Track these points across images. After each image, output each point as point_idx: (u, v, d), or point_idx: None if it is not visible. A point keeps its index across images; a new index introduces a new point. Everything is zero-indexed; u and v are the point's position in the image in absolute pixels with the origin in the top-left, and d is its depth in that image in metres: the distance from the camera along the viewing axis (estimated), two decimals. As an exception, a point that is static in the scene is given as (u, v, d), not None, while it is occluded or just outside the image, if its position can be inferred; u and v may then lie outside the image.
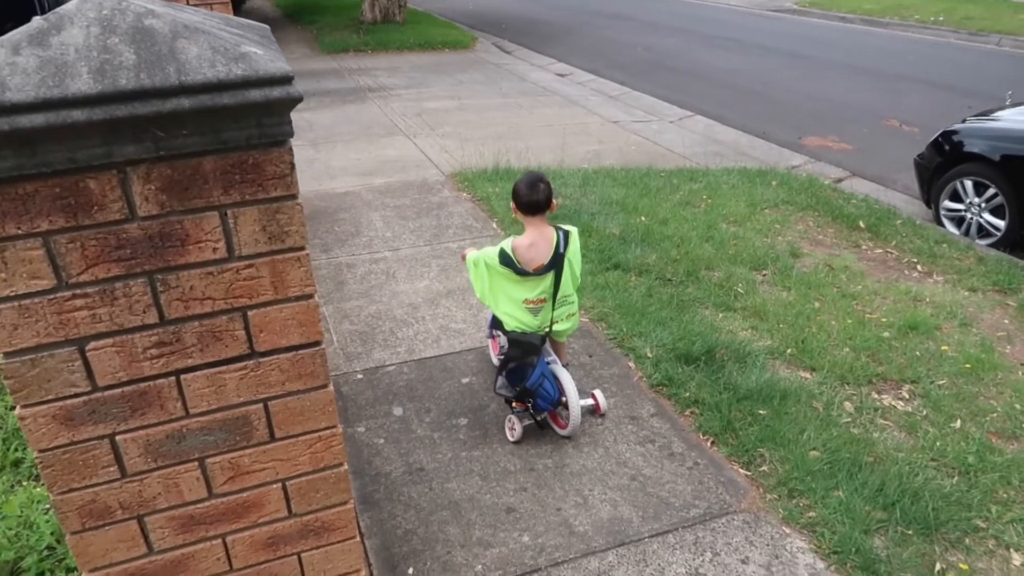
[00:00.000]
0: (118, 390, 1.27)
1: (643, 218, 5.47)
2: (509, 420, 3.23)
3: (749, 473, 3.02)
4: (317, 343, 1.35)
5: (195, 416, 1.33)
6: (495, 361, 3.72)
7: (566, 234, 3.08)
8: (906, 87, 10.34)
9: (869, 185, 6.72)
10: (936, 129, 6.00)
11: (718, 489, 2.93)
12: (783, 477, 2.95)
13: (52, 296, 1.18)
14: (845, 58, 12.36)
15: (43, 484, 2.19)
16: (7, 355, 1.19)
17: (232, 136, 1.17)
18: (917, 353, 3.83)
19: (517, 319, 3.09)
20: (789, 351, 3.84)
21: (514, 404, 3.20)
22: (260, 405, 1.36)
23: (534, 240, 3.02)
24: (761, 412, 3.32)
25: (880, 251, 5.18)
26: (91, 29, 1.15)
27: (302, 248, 1.28)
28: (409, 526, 2.75)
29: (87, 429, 1.27)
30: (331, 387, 1.39)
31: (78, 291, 1.19)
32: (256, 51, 1.19)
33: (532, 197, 2.96)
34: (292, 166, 1.23)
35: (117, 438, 1.30)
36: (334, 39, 13.12)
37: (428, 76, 10.97)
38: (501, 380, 3.22)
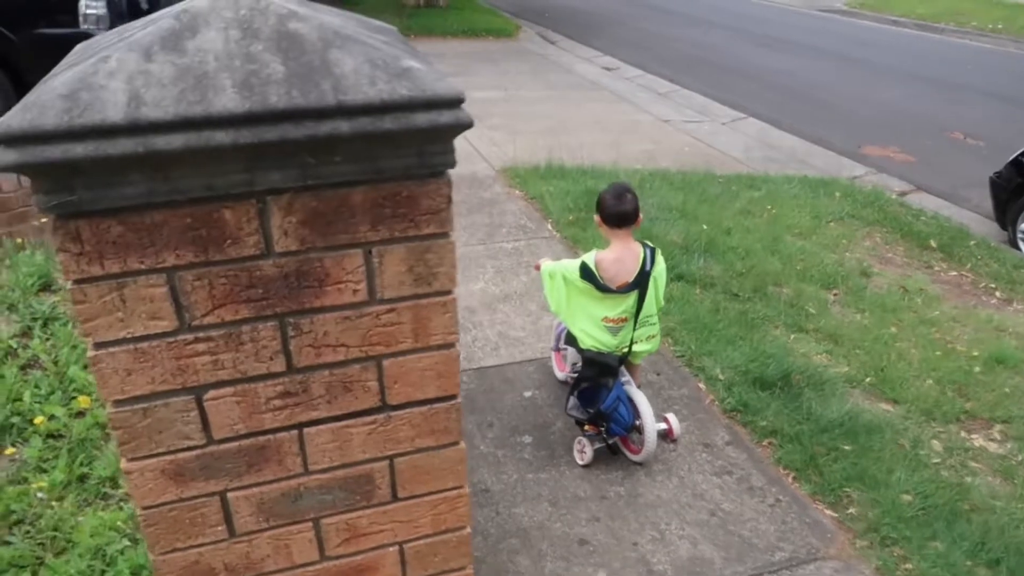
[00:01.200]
0: (235, 444, 1.11)
1: (704, 226, 5.26)
2: (579, 442, 3.06)
3: (836, 515, 2.83)
4: (454, 396, 1.19)
5: (315, 473, 1.17)
6: (559, 375, 3.55)
7: (653, 251, 2.90)
8: (967, 97, 9.99)
9: (936, 201, 6.45)
10: (1002, 144, 5.73)
11: (803, 531, 2.75)
12: (874, 522, 2.76)
13: (172, 339, 1.03)
14: (900, 63, 11.99)
15: (112, 506, 2.06)
16: (117, 403, 1.03)
17: (388, 165, 1.01)
18: (1006, 389, 3.61)
19: (594, 338, 2.92)
20: (868, 380, 3.64)
21: (586, 427, 3.03)
22: (385, 463, 1.20)
23: (620, 255, 2.84)
24: (845, 447, 3.13)
25: (955, 273, 4.94)
26: (230, 32, 0.98)
27: (449, 292, 1.12)
28: (477, 553, 2.59)
29: (197, 485, 1.12)
30: (463, 444, 1.23)
31: (201, 334, 1.03)
32: (418, 66, 1.01)
33: (619, 208, 2.78)
34: (449, 200, 1.07)
35: (228, 495, 1.15)
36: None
37: (473, 64, 10.77)
38: (573, 400, 3.05)
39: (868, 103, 9.56)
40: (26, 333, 2.57)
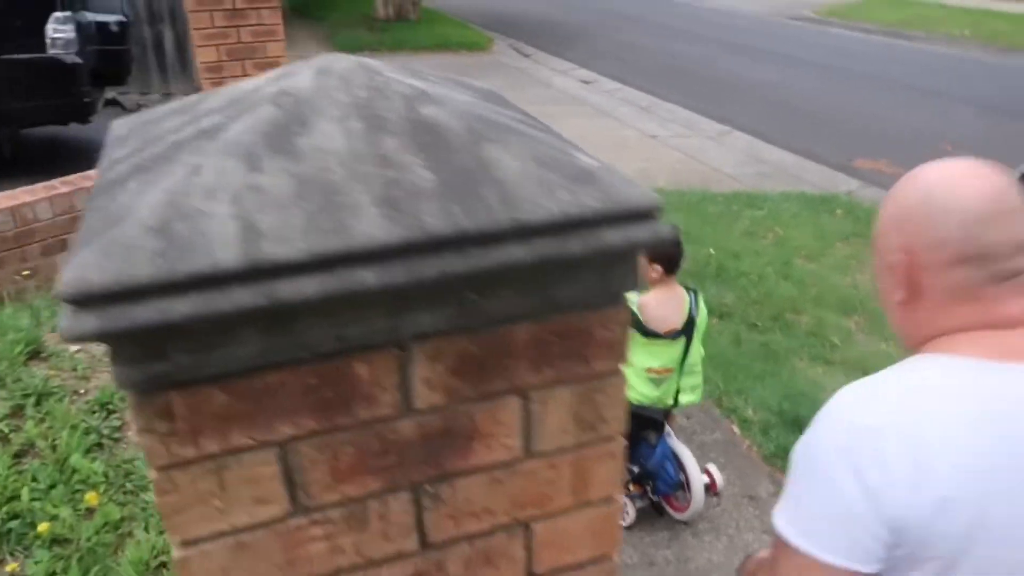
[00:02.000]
0: (351, 643, 0.87)
1: (712, 250, 5.10)
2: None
3: (901, 574, 2.65)
4: (608, 556, 0.96)
5: (443, 664, 0.93)
6: (587, 422, 3.33)
7: (696, 294, 2.71)
8: (947, 105, 10.03)
9: (934, 216, 6.37)
10: (992, 155, 5.64)
11: (869, 593, 2.56)
12: (943, 581, 2.59)
13: (281, 525, 0.78)
14: (879, 71, 12.03)
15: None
16: (209, 611, 0.79)
17: (564, 294, 0.78)
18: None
19: (636, 390, 2.71)
20: (905, 416, 3.48)
21: (631, 486, 2.82)
22: (525, 640, 0.97)
23: (663, 300, 2.65)
24: (898, 495, 2.96)
25: (968, 294, 4.84)
26: (350, 124, 0.75)
27: (615, 437, 0.89)
28: (526, 638, 2.36)
29: None
30: (612, 608, 1.00)
31: (318, 516, 0.79)
32: (594, 163, 0.79)
33: (679, 253, 2.58)
34: (626, 328, 0.84)
35: None
36: (347, 37, 12.62)
37: (450, 79, 10.52)
38: (614, 457, 2.84)
39: (852, 113, 9.53)
40: (16, 412, 2.26)
